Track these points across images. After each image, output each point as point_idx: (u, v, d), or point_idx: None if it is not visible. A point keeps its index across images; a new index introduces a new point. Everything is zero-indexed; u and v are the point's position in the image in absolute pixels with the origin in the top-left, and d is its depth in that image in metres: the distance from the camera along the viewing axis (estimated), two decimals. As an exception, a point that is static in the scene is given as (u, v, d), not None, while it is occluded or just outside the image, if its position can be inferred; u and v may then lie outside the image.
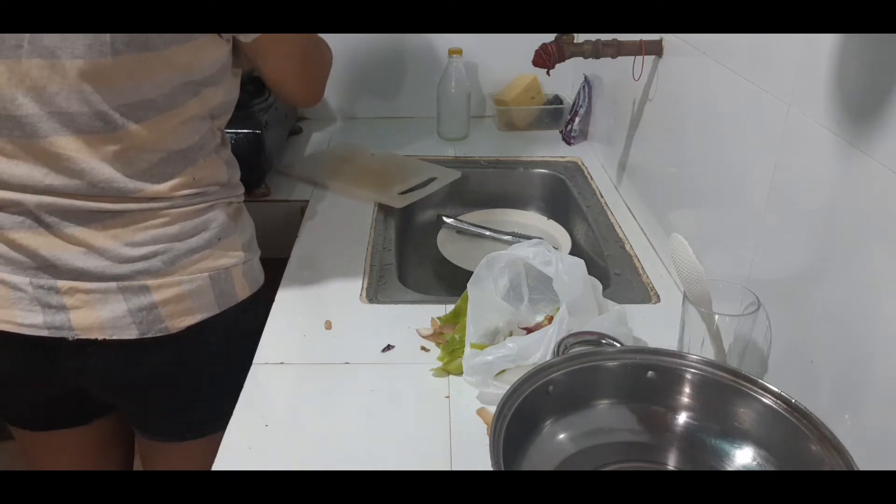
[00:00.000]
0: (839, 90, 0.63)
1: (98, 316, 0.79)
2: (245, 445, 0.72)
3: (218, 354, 0.87)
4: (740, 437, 0.64)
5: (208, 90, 0.80)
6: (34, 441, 0.96)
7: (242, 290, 0.88)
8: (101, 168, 0.75)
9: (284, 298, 0.97)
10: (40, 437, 0.95)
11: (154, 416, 0.92)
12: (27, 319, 0.78)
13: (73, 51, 0.69)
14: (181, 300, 0.82)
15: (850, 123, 0.61)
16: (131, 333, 0.80)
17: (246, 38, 0.80)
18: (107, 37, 0.69)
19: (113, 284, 0.79)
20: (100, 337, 0.80)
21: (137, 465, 1.07)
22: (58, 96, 0.71)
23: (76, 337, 0.79)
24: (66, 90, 0.71)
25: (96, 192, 0.76)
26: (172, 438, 0.93)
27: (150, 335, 0.81)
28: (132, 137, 0.75)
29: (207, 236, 0.83)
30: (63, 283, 0.78)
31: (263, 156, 1.24)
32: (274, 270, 1.00)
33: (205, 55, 0.77)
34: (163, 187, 0.79)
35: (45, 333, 0.79)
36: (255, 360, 0.84)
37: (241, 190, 0.92)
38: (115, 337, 0.80)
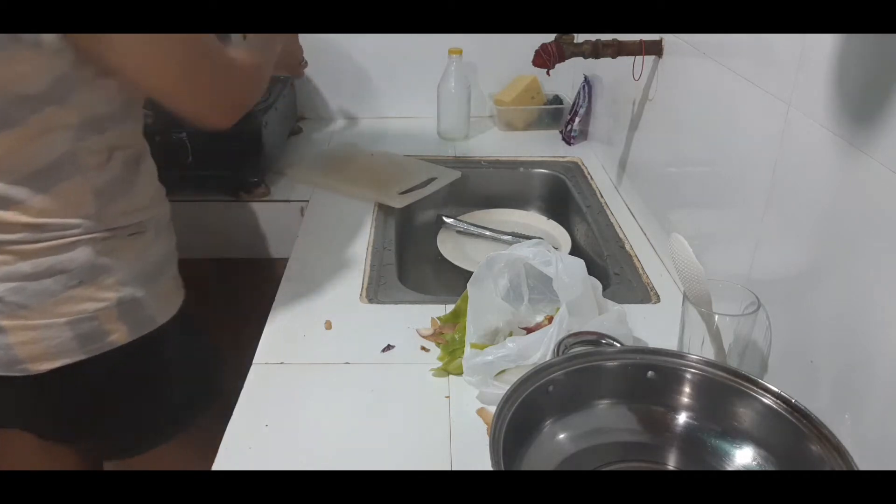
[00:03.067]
0: (839, 90, 0.63)
1: None
2: (245, 445, 0.72)
3: (104, 397, 0.82)
4: (740, 437, 0.64)
5: (52, 108, 0.70)
6: None
7: (121, 335, 0.79)
8: None
9: (284, 298, 0.97)
10: None
11: (62, 441, 0.89)
12: None
13: None
14: (36, 342, 0.75)
15: (850, 123, 0.61)
16: None
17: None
18: None
19: None
20: None
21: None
22: None
23: None
24: None
25: None
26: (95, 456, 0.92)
27: (11, 374, 0.76)
28: None
29: (64, 279, 0.75)
30: None
31: (263, 156, 1.24)
32: (274, 270, 1.00)
33: (19, 69, 0.67)
34: (7, 216, 0.71)
35: None
36: (255, 360, 0.84)
37: (129, 221, 0.79)
38: None
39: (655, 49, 1.08)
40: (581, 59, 1.11)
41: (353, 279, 1.01)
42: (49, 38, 0.66)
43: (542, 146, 1.52)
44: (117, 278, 0.78)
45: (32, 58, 0.67)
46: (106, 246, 0.77)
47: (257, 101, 0.88)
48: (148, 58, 0.71)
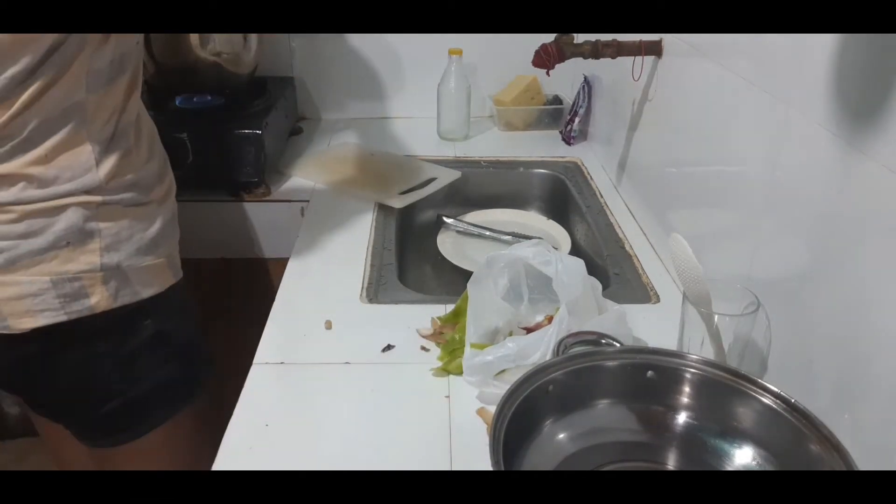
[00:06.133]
0: (839, 90, 0.63)
1: None
2: (245, 445, 0.72)
3: (85, 363, 0.83)
4: (740, 437, 0.64)
5: (72, 51, 0.71)
6: None
7: (104, 300, 0.80)
8: None
9: (284, 298, 0.97)
10: None
11: (52, 416, 0.90)
12: None
13: None
14: (20, 300, 0.77)
15: (850, 123, 0.61)
16: None
17: None
18: None
19: None
20: None
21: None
22: None
23: None
24: None
25: None
26: (92, 443, 0.90)
27: None
28: None
29: (52, 239, 0.76)
30: None
31: (263, 156, 1.24)
32: (274, 270, 1.00)
33: None
34: (12, 165, 0.73)
35: None
36: (255, 360, 0.84)
37: (127, 192, 0.81)
38: None
39: (655, 49, 1.08)
40: (581, 59, 1.11)
41: (353, 279, 1.01)
42: None
43: (542, 146, 1.52)
44: (105, 244, 0.79)
45: None
46: (99, 212, 0.78)
47: None
48: None
